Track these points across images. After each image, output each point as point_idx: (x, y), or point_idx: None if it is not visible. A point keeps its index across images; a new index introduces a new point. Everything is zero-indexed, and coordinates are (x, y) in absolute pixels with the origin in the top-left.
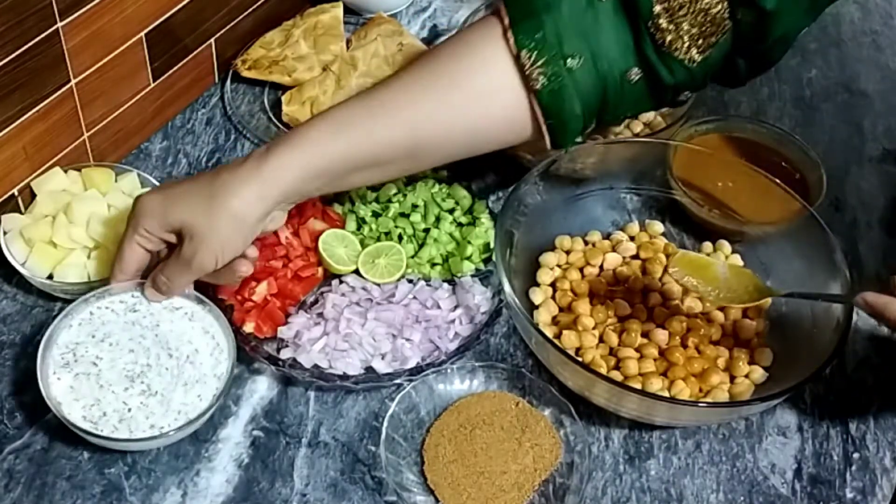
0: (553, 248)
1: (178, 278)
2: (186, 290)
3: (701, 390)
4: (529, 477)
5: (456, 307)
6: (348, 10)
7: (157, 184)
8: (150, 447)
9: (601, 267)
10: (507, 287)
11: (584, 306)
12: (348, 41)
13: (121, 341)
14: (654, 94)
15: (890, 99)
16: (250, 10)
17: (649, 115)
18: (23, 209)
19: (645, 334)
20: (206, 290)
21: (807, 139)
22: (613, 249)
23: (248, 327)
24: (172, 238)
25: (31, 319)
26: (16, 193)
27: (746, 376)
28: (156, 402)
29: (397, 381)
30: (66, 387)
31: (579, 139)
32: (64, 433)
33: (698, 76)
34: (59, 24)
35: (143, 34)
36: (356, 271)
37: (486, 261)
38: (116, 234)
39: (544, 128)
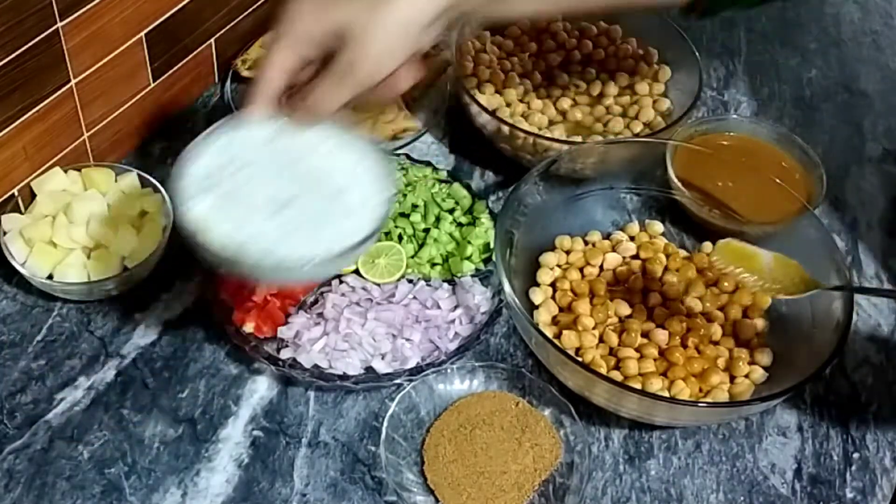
0: (553, 248)
1: (332, 93)
2: (338, 115)
3: (701, 390)
4: (529, 477)
5: (456, 307)
6: None
7: (157, 184)
8: (300, 277)
9: (601, 267)
10: (507, 287)
11: (584, 306)
12: None
13: (263, 171)
14: None
15: (890, 99)
16: (250, 10)
17: (649, 115)
18: (23, 209)
19: (645, 334)
20: (208, 287)
21: (807, 139)
22: (613, 249)
23: (248, 327)
24: (328, 43)
25: (31, 319)
26: (16, 193)
27: (746, 376)
28: (304, 234)
29: (397, 381)
30: (202, 214)
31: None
32: (63, 433)
33: None
34: (59, 24)
35: (143, 34)
36: (356, 271)
37: (486, 261)
38: (116, 234)
39: None
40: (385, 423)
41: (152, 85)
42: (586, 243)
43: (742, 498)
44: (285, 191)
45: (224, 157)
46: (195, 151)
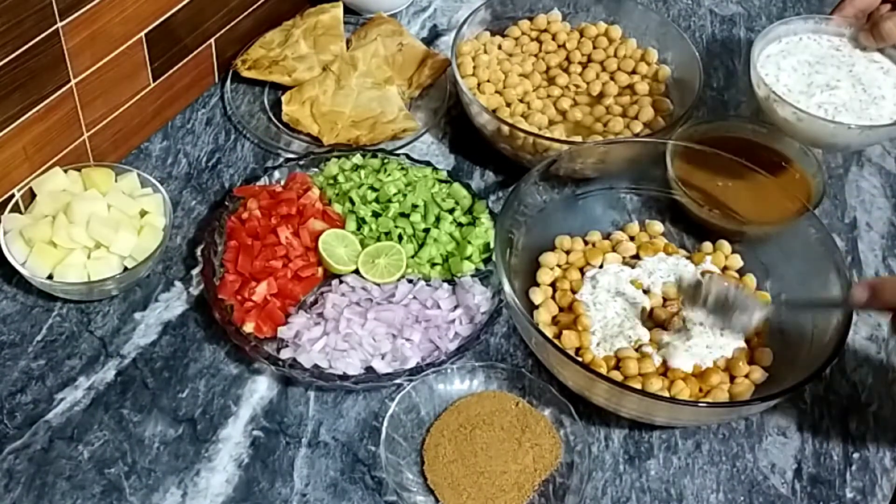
0: (553, 248)
1: None
2: None
3: (701, 390)
4: (529, 477)
5: (456, 307)
6: (348, 10)
7: (157, 184)
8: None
9: (601, 267)
10: (507, 287)
11: (584, 306)
12: (348, 41)
13: (816, 66)
14: None
15: None
16: (250, 10)
17: (649, 115)
18: (23, 209)
19: None
20: (208, 287)
21: None
22: (613, 249)
23: (248, 327)
24: None
25: (31, 319)
26: (16, 193)
27: (746, 376)
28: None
29: (397, 381)
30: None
31: None
32: (63, 433)
33: None
34: (59, 24)
35: (143, 34)
36: (356, 271)
37: (486, 261)
38: (116, 234)
39: None
40: (385, 423)
41: (152, 85)
42: (586, 243)
43: (742, 498)
44: (833, 80)
45: (790, 44)
46: (772, 33)
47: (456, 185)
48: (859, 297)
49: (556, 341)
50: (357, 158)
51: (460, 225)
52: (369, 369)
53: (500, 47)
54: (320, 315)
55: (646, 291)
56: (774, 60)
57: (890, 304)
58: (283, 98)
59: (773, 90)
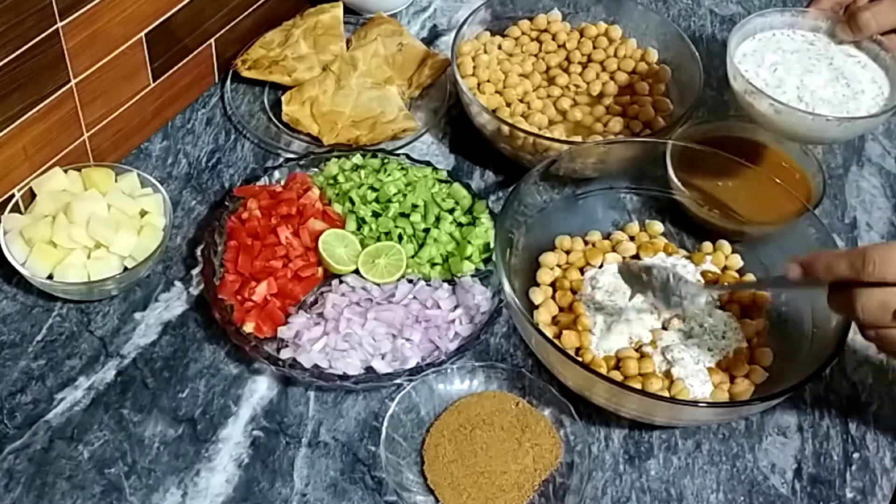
0: (553, 248)
1: (885, 15)
2: (877, 37)
3: None
4: (529, 477)
5: (456, 307)
6: (348, 10)
7: (157, 184)
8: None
9: (601, 267)
10: (507, 287)
11: (584, 306)
12: (348, 41)
13: (791, 61)
14: None
15: None
16: (250, 10)
17: (649, 115)
18: (23, 209)
19: None
20: (208, 287)
21: None
22: (613, 249)
23: (248, 327)
24: None
25: (31, 319)
26: (16, 193)
27: (746, 376)
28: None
29: (397, 381)
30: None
31: None
32: (63, 433)
33: None
34: (59, 24)
35: (143, 34)
36: (356, 271)
37: (486, 261)
38: (116, 234)
39: None
40: (385, 423)
41: (152, 85)
42: (586, 243)
43: (742, 498)
44: (813, 72)
45: (766, 43)
46: (748, 26)
47: (456, 185)
48: (793, 275)
49: (556, 341)
50: (357, 158)
51: (460, 225)
52: (369, 369)
53: (500, 47)
54: (320, 315)
55: None
56: (751, 57)
57: (823, 278)
58: (283, 98)
59: (751, 82)
